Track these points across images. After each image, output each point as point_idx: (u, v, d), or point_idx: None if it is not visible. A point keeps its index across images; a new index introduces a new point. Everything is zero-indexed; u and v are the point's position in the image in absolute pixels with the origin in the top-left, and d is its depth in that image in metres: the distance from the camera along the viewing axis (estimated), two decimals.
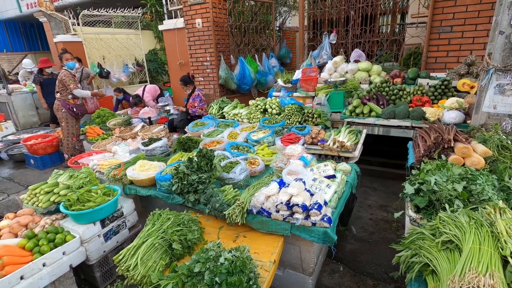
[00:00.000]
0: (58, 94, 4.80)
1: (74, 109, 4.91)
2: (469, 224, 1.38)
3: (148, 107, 6.51)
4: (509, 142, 2.29)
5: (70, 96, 4.86)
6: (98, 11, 8.32)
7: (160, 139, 3.65)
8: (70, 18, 8.47)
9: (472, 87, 3.60)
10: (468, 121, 3.14)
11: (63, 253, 2.20)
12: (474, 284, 1.09)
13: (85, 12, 8.15)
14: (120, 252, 1.93)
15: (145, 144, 3.55)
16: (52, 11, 8.75)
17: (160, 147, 3.51)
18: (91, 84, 7.69)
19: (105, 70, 8.11)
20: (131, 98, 7.10)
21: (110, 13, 8.46)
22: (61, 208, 2.41)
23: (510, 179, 1.95)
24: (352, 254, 2.88)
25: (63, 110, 4.84)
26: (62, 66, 4.83)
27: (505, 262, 1.21)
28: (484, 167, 2.15)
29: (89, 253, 2.40)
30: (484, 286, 1.07)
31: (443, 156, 2.25)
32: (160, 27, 7.19)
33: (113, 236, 2.61)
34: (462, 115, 3.24)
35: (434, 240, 1.48)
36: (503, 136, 2.33)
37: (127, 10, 8.80)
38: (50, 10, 8.72)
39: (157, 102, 6.65)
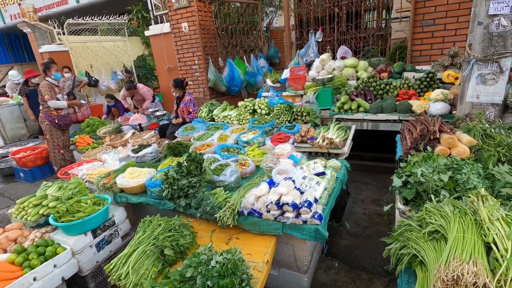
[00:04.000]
0: (41, 106, 4.73)
1: (56, 121, 4.80)
2: (454, 213, 1.40)
3: (146, 101, 6.47)
4: (493, 130, 2.33)
5: (52, 108, 4.78)
6: (83, 19, 8.25)
7: (150, 145, 3.63)
8: (55, 28, 8.39)
9: (456, 78, 3.66)
10: (453, 112, 3.19)
11: (54, 266, 2.17)
12: (458, 272, 1.10)
13: (70, 21, 8.07)
14: (111, 261, 1.92)
15: (135, 151, 3.53)
16: (36, 22, 8.65)
17: (150, 153, 3.49)
18: (81, 91, 7.62)
19: (93, 78, 8.03)
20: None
21: (95, 21, 8.40)
22: (51, 220, 2.37)
23: (494, 166, 1.98)
24: (347, 249, 2.90)
25: (46, 123, 4.75)
26: (45, 77, 4.76)
27: (488, 249, 1.23)
28: (470, 156, 2.18)
29: (81, 264, 2.37)
30: (467, 273, 1.08)
31: (428, 148, 2.28)
32: (147, 33, 7.16)
33: (106, 246, 2.58)
34: (448, 106, 3.29)
35: (421, 231, 1.50)
36: (487, 125, 2.38)
37: (113, 17, 8.74)
38: (33, 20, 8.62)
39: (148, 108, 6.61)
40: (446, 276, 1.12)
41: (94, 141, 5.34)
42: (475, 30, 2.55)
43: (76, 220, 2.31)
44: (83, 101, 6.26)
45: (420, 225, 1.55)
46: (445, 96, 3.40)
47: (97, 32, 8.88)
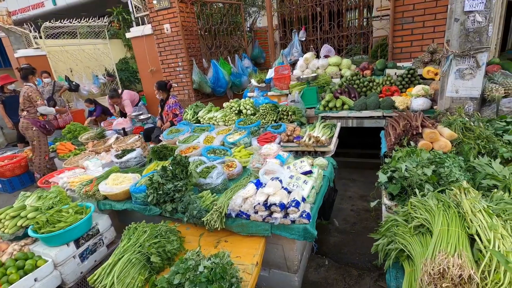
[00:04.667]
0: (25, 112, 4.56)
1: (47, 126, 4.67)
2: (438, 207, 1.42)
3: (126, 107, 6.29)
4: (472, 123, 2.39)
5: (39, 113, 4.62)
6: (61, 22, 7.99)
7: (134, 150, 3.54)
8: (31, 32, 8.09)
9: (436, 74, 3.74)
10: (434, 107, 3.26)
11: (35, 280, 2.08)
12: (444, 266, 1.11)
13: (47, 24, 7.81)
14: (95, 272, 1.85)
15: (118, 156, 3.44)
16: (11, 25, 8.32)
17: (134, 158, 3.41)
18: (61, 96, 7.38)
19: (73, 83, 7.79)
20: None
21: (74, 23, 8.16)
22: (30, 232, 2.28)
23: (475, 159, 2.03)
24: (336, 246, 2.91)
25: (33, 129, 4.60)
26: (23, 83, 4.59)
27: (472, 240, 1.25)
28: (451, 150, 2.23)
29: (64, 276, 2.28)
30: (453, 266, 1.09)
31: (412, 143, 2.31)
32: (128, 35, 7.01)
33: (90, 256, 2.50)
34: (429, 101, 3.36)
35: (407, 226, 1.51)
36: (466, 119, 2.44)
37: (92, 19, 8.52)
38: (8, 24, 8.29)
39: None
40: (432, 269, 1.13)
41: (76, 147, 5.17)
42: (452, 26, 2.61)
43: (57, 231, 2.22)
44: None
45: (406, 219, 1.57)
46: (426, 91, 3.47)
47: (76, 35, 8.63)
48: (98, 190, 2.74)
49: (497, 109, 2.64)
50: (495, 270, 1.08)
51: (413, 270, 1.37)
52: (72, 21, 8.10)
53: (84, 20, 8.35)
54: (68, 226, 2.27)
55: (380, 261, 1.65)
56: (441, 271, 1.12)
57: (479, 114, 2.62)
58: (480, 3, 2.44)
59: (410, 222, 1.50)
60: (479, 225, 1.23)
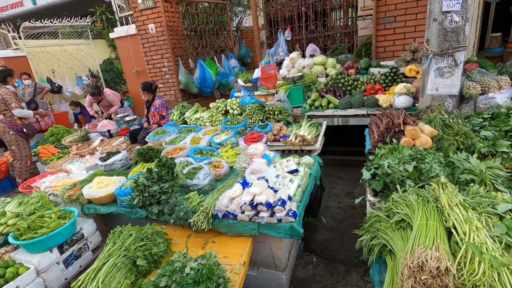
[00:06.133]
0: (1, 115, 4.41)
1: (24, 130, 4.53)
2: (417, 202, 1.46)
3: (113, 106, 6.20)
4: (451, 120, 2.47)
5: (16, 117, 4.48)
6: (41, 22, 7.76)
7: (119, 152, 3.48)
8: (9, 32, 7.82)
9: (418, 72, 3.84)
10: (416, 104, 3.35)
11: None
12: (423, 259, 1.15)
13: (26, 24, 7.57)
14: (79, 278, 1.81)
15: (103, 159, 3.37)
16: None
17: (119, 160, 3.35)
18: (43, 99, 7.17)
19: (56, 84, 7.58)
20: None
21: (55, 23, 7.94)
22: (10, 239, 2.21)
23: (454, 154, 2.10)
24: (324, 243, 2.96)
25: (10, 133, 4.45)
26: (2, 86, 4.45)
27: (449, 234, 1.29)
28: (432, 146, 2.29)
29: (48, 283, 2.22)
30: (431, 259, 1.13)
31: (394, 140, 2.37)
32: (111, 35, 6.88)
33: (75, 261, 2.44)
34: (411, 99, 3.44)
35: (389, 221, 1.55)
36: (446, 116, 2.51)
37: (74, 19, 8.31)
38: None
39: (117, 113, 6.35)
40: (412, 263, 1.17)
41: (60, 151, 5.04)
42: (431, 26, 2.68)
43: (39, 237, 2.16)
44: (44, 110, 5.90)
45: (388, 215, 1.60)
46: (408, 89, 3.56)
47: (58, 36, 8.40)
48: (82, 194, 2.68)
49: (475, 106, 2.74)
50: (470, 261, 1.12)
51: (395, 264, 1.40)
52: (53, 21, 7.88)
53: (65, 20, 8.14)
54: (51, 231, 2.21)
55: (365, 257, 1.69)
56: (420, 264, 1.15)
57: (457, 111, 2.71)
58: (456, 3, 2.52)
59: (392, 218, 1.54)
60: (455, 219, 1.27)
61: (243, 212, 2.08)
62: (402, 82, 3.90)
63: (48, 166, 4.03)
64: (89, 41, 8.98)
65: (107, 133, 5.34)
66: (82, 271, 2.49)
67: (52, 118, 6.85)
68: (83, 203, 2.73)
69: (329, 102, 3.94)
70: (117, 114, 6.09)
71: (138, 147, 4.22)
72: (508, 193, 1.53)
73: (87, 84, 8.75)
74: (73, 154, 4.36)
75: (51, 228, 2.24)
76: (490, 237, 1.21)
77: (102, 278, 1.75)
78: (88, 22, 8.72)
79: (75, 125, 6.77)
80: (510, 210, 1.33)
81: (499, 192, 1.52)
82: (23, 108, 4.56)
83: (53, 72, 8.36)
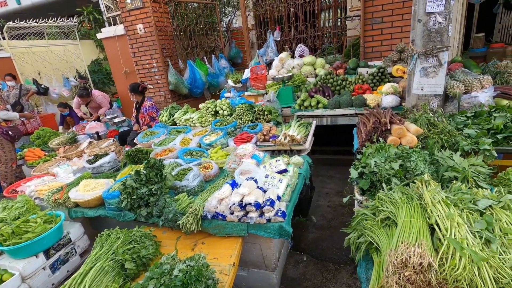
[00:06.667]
0: None
1: (10, 132, 4.42)
2: (402, 200, 1.49)
3: (102, 108, 6.11)
4: (436, 119, 2.52)
5: (1, 119, 4.37)
6: (26, 22, 7.59)
7: (107, 154, 3.43)
8: None
9: (404, 72, 3.91)
10: (403, 104, 3.40)
11: None
12: (406, 255, 1.17)
13: (11, 24, 7.39)
14: (65, 283, 1.78)
15: (91, 162, 3.32)
16: None
17: (108, 163, 3.30)
18: (29, 101, 7.01)
19: (42, 86, 7.43)
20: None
21: (41, 23, 7.77)
22: None
23: (439, 152, 2.14)
24: (314, 242, 2.98)
25: None
26: None
27: (432, 230, 1.32)
28: (417, 144, 2.34)
29: None
30: (414, 255, 1.15)
31: (381, 139, 2.40)
32: (99, 35, 6.79)
33: (62, 266, 2.41)
34: (398, 98, 3.50)
35: (375, 219, 1.57)
36: (431, 114, 2.56)
37: (61, 19, 8.15)
38: None
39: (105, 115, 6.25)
40: (396, 259, 1.19)
41: (46, 153, 4.93)
42: (416, 27, 2.73)
43: (24, 242, 2.12)
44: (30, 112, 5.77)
45: (374, 213, 1.63)
46: (395, 89, 3.61)
47: (44, 36, 8.22)
48: (69, 197, 2.64)
49: (458, 105, 2.80)
50: (452, 256, 1.15)
51: (381, 261, 1.42)
52: (39, 21, 7.71)
53: (51, 20, 7.97)
54: (36, 236, 2.18)
55: (353, 255, 1.71)
56: (403, 260, 1.17)
57: (442, 110, 2.77)
58: (440, 4, 2.58)
59: (378, 216, 1.56)
60: (438, 215, 1.30)
61: (232, 213, 2.08)
62: (389, 81, 3.96)
63: (34, 169, 3.94)
64: (76, 41, 8.81)
65: (96, 135, 5.26)
66: (70, 275, 2.45)
67: (38, 120, 6.71)
68: (70, 207, 2.69)
69: (318, 102, 3.97)
70: (105, 116, 5.99)
71: (127, 148, 4.17)
72: (489, 190, 1.58)
73: (74, 86, 8.59)
74: (60, 157, 4.27)
75: (36, 233, 2.20)
76: (471, 232, 1.24)
77: (89, 283, 1.72)
78: (75, 22, 8.56)
79: (61, 128, 6.63)
80: (490, 206, 1.37)
81: (480, 189, 1.56)
82: (8, 110, 4.46)
83: (39, 74, 8.18)
